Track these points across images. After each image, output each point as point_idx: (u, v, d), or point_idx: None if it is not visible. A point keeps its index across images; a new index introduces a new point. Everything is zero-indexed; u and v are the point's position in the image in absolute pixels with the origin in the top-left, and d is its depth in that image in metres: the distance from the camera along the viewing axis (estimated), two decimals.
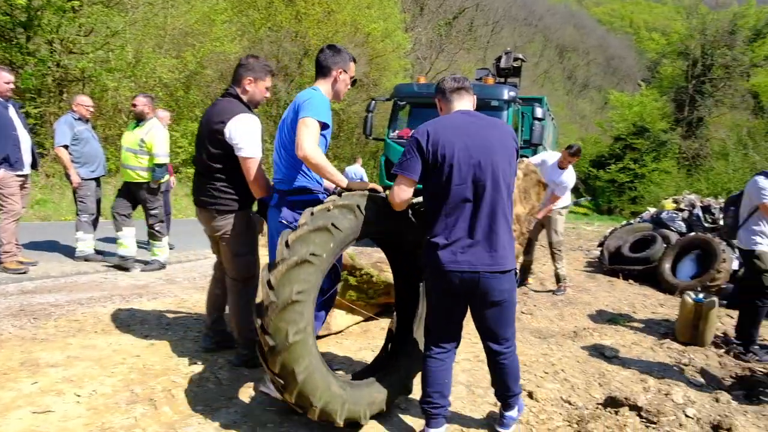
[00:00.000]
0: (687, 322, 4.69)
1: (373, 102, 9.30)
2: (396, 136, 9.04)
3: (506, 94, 8.45)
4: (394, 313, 3.06)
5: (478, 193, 2.28)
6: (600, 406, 3.18)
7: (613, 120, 36.76)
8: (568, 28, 71.03)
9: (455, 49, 33.95)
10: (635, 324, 5.23)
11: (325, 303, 2.90)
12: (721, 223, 7.58)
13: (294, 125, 2.57)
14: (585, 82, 65.96)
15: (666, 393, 3.42)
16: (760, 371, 4.16)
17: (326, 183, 2.84)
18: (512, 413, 2.69)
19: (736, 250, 4.86)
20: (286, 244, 2.23)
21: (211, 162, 3.08)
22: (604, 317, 5.42)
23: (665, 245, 7.45)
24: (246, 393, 2.95)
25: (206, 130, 3.09)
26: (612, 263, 7.97)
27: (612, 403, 3.17)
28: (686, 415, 3.09)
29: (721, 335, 5.02)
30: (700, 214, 7.89)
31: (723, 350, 4.57)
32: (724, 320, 5.69)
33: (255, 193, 3.08)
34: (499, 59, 10.15)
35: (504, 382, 2.59)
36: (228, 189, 3.11)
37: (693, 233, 7.42)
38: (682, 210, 8.35)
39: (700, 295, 4.76)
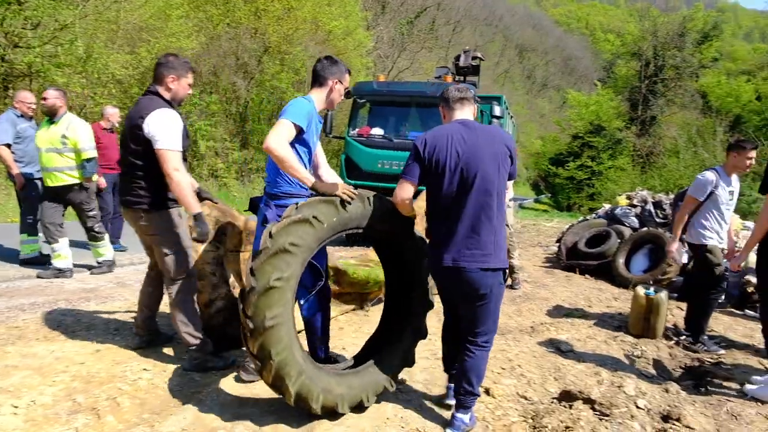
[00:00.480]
0: (639, 316, 4.81)
1: None
2: (356, 134, 8.98)
3: None
4: (383, 305, 3.24)
5: (465, 197, 2.47)
6: (555, 401, 3.22)
7: (571, 119, 37.66)
8: (527, 29, 72.33)
9: (417, 47, 34.05)
10: (590, 318, 5.33)
11: (319, 301, 3.00)
12: (672, 218, 7.82)
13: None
14: (544, 81, 67.32)
15: (619, 385, 3.49)
16: (708, 361, 4.29)
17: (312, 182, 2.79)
18: (464, 417, 2.67)
19: (686, 245, 5.01)
20: (270, 235, 2.40)
21: (134, 160, 3.04)
22: (561, 312, 5.51)
23: (619, 240, 7.64)
24: (197, 399, 2.85)
25: (128, 129, 3.06)
26: (569, 258, 8.13)
27: (566, 397, 3.21)
28: (637, 407, 3.15)
29: (672, 327, 5.17)
30: (652, 209, 8.13)
31: (673, 342, 4.71)
32: (674, 313, 5.87)
33: (171, 189, 3.00)
34: (458, 58, 10.21)
35: (466, 374, 2.62)
36: (152, 187, 3.06)
37: (645, 228, 7.63)
38: (635, 206, 8.58)
39: (651, 289, 4.89)
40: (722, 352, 4.46)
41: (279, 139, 2.60)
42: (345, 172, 8.99)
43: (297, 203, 2.52)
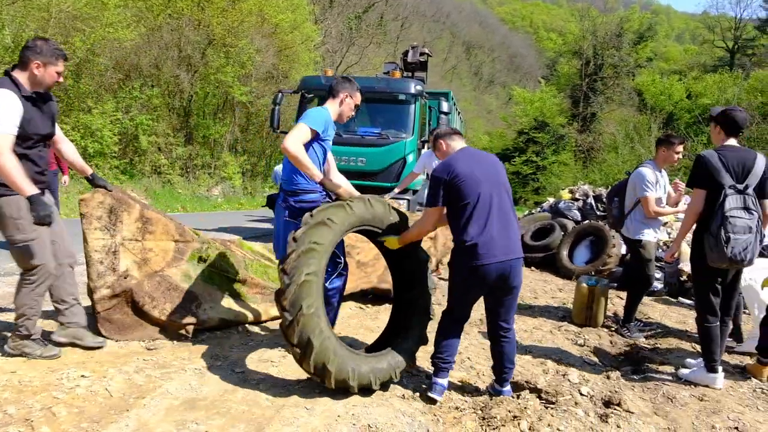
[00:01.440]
0: (582, 305, 4.99)
1: (280, 94, 9.05)
2: None
3: (413, 88, 8.54)
4: (394, 303, 3.59)
5: (493, 205, 2.91)
6: None
7: (516, 115, 38.75)
8: (474, 26, 73.54)
9: (366, 42, 33.99)
10: (536, 309, 5.49)
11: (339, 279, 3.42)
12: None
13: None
14: (490, 78, 68.68)
15: (563, 374, 3.60)
16: (646, 347, 4.50)
17: (324, 181, 3.22)
18: (508, 388, 3.17)
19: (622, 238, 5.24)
20: (294, 239, 2.81)
21: None
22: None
23: (563, 233, 7.90)
24: (139, 405, 2.74)
25: None
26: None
27: (514, 387, 3.28)
28: (581, 394, 3.26)
29: (612, 315, 5.40)
30: (593, 203, 8.46)
31: (613, 329, 4.92)
32: (615, 302, 6.12)
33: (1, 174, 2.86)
34: (406, 53, 10.24)
35: (508, 356, 3.09)
36: None
37: (587, 221, 7.94)
38: (577, 200, 8.91)
39: (593, 279, 5.08)
40: (643, 339, 4.68)
41: (294, 139, 3.06)
42: None
43: (311, 212, 2.91)
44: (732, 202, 3.29)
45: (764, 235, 3.35)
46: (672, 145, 4.64)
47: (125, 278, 3.58)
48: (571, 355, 4.12)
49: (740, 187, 3.33)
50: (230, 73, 17.76)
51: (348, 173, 8.42)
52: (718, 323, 3.54)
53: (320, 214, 2.89)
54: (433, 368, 3.14)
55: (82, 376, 3.02)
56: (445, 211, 3.04)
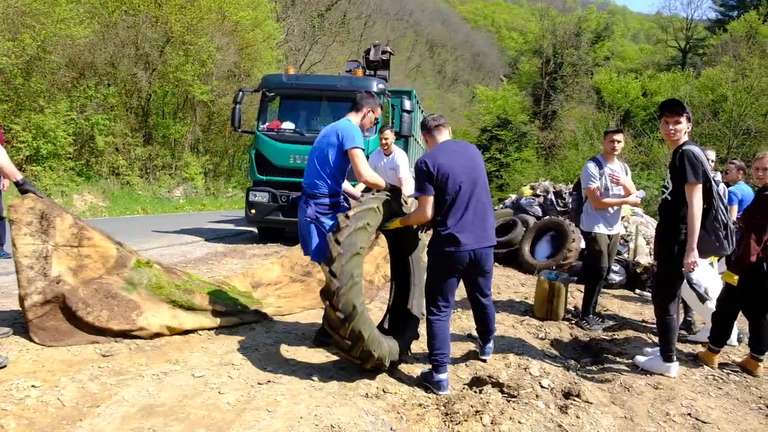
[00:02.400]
0: (542, 300, 5.08)
1: (241, 93, 8.92)
2: (266, 129, 8.76)
3: (375, 86, 8.53)
4: (392, 286, 3.93)
5: (471, 195, 3.21)
6: (466, 387, 3.32)
7: (479, 113, 39.19)
8: (437, 25, 74.02)
9: (329, 41, 33.82)
10: (499, 304, 5.56)
11: None
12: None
13: (335, 149, 3.49)
14: (454, 76, 69.25)
15: (525, 367, 3.66)
16: (604, 338, 4.61)
17: (345, 187, 3.74)
18: (490, 345, 3.80)
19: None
20: (337, 242, 3.05)
21: None
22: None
23: (524, 229, 8.04)
24: (93, 414, 2.65)
25: None
26: None
27: (477, 382, 3.32)
28: (542, 386, 3.32)
29: (572, 309, 5.51)
30: (554, 199, 8.63)
31: (573, 322, 5.02)
32: (575, 295, 6.26)
33: None
34: (368, 52, 10.23)
35: (488, 322, 3.67)
36: None
37: (548, 217, 8.09)
38: (538, 196, 9.07)
39: (553, 274, 5.17)
40: (601, 331, 4.81)
41: (365, 168, 3.47)
42: (255, 167, 8.74)
43: (347, 213, 3.17)
44: (721, 195, 3.41)
45: None
46: (607, 135, 4.91)
47: (57, 283, 3.49)
48: (533, 349, 4.19)
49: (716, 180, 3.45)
50: (190, 72, 17.38)
51: None
52: (676, 315, 3.66)
53: (359, 219, 3.16)
54: (432, 366, 3.28)
55: (33, 386, 2.90)
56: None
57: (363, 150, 3.48)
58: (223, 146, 21.72)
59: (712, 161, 4.78)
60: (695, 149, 3.39)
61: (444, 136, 3.46)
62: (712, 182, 3.36)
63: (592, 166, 4.81)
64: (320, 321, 3.90)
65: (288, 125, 8.73)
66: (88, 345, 3.53)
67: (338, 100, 8.83)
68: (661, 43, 48.68)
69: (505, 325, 4.81)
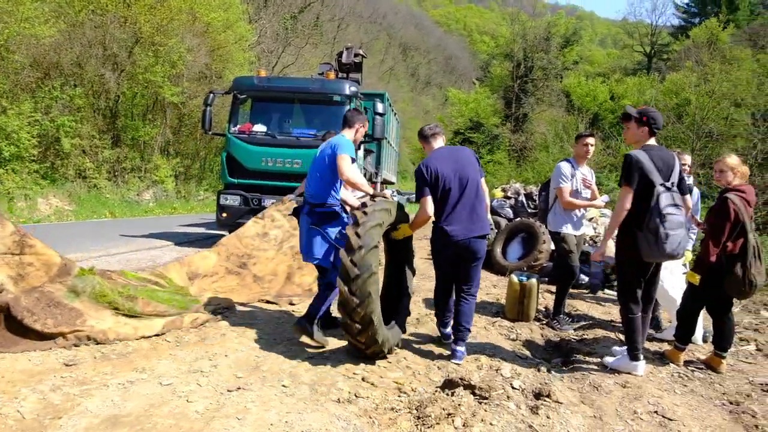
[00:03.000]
0: (514, 301, 5.12)
1: (211, 95, 8.78)
2: (237, 131, 8.64)
3: (347, 89, 8.51)
4: (384, 280, 4.25)
5: (463, 192, 3.80)
6: (438, 389, 3.31)
7: (452, 116, 39.44)
8: (410, 28, 74.37)
9: (302, 43, 33.61)
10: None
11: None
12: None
13: (331, 160, 3.91)
14: (427, 79, 69.65)
15: (497, 369, 3.68)
16: (574, 339, 4.67)
17: (342, 195, 4.10)
18: (461, 348, 3.89)
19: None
20: (357, 235, 3.43)
21: None
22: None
23: (496, 231, 8.11)
24: (55, 426, 2.55)
25: None
26: None
27: (449, 384, 3.31)
28: (513, 387, 3.34)
29: (543, 309, 5.57)
30: (524, 200, 8.73)
31: (543, 323, 5.08)
32: (546, 296, 6.33)
33: None
34: (340, 55, 10.18)
35: (465, 315, 3.90)
36: None
37: (519, 218, 8.17)
38: (509, 198, 9.16)
39: (524, 275, 5.22)
40: (572, 331, 4.88)
41: (349, 170, 3.84)
42: (227, 170, 8.62)
43: (364, 210, 3.57)
44: (666, 199, 3.42)
45: (689, 228, 3.54)
46: (580, 139, 5.00)
47: (2, 292, 3.44)
48: (504, 350, 4.21)
49: (668, 185, 3.48)
50: (160, 73, 17.03)
51: (283, 175, 8.36)
52: (641, 314, 3.72)
53: (376, 217, 3.55)
54: (438, 323, 4.24)
55: None
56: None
57: (352, 157, 3.91)
58: (195, 148, 21.37)
59: (687, 165, 4.88)
60: (638, 154, 3.54)
61: (439, 142, 4.06)
62: (659, 187, 3.43)
63: (566, 166, 4.90)
64: (288, 323, 4.19)
65: (260, 128, 8.63)
66: (50, 354, 3.42)
67: (310, 102, 8.78)
68: (628, 48, 49.81)
69: (477, 326, 4.83)
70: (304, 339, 4.02)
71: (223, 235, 10.45)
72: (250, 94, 8.86)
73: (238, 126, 8.73)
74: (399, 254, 4.27)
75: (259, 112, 8.98)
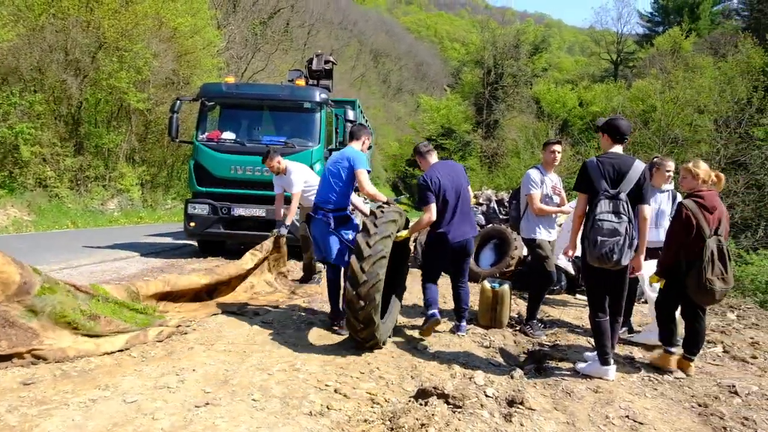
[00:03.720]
0: (486, 307, 5.15)
1: (178, 102, 8.65)
2: (205, 139, 8.52)
3: (318, 96, 8.49)
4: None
5: (458, 201, 4.60)
6: (412, 399, 3.30)
7: (424, 122, 39.81)
8: (381, 35, 74.71)
9: (272, 49, 33.43)
10: (444, 314, 5.58)
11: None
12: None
13: (348, 172, 4.52)
14: (398, 86, 69.98)
15: (470, 377, 3.68)
16: (547, 344, 4.72)
17: (353, 200, 4.85)
18: (464, 323, 4.90)
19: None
20: (368, 245, 3.88)
21: None
22: (417, 311, 5.71)
23: None
24: None
25: None
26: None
27: (422, 394, 3.30)
28: (486, 395, 3.35)
29: (516, 316, 5.62)
30: (496, 207, 8.83)
31: (516, 329, 5.12)
32: (518, 302, 6.40)
33: None
34: (310, 61, 10.16)
35: (464, 298, 4.87)
36: None
37: (491, 225, 8.25)
38: (481, 204, 9.25)
39: (496, 282, 5.26)
40: (544, 337, 4.94)
41: (369, 184, 4.54)
42: (195, 179, 8.48)
43: (374, 222, 4.03)
44: (602, 206, 3.53)
45: (635, 237, 3.58)
46: (547, 146, 5.13)
47: None
48: (478, 358, 4.23)
49: (612, 192, 3.56)
50: (125, 79, 16.69)
51: (252, 183, 8.27)
52: (608, 318, 3.77)
53: (385, 227, 4.00)
54: (426, 306, 4.62)
55: None
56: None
57: (368, 171, 4.63)
58: (161, 156, 20.99)
59: (670, 171, 5.05)
60: (588, 162, 3.75)
61: (434, 158, 4.83)
62: (601, 195, 3.57)
63: (535, 173, 4.99)
64: (259, 334, 4.32)
65: (228, 135, 8.54)
66: (6, 373, 3.29)
67: (280, 109, 8.73)
68: (595, 55, 51.07)
69: (450, 334, 4.84)
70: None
71: (191, 245, 10.32)
72: (219, 100, 8.76)
73: (206, 133, 8.62)
74: (396, 252, 4.55)
75: (227, 119, 8.88)
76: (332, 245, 4.55)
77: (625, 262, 3.54)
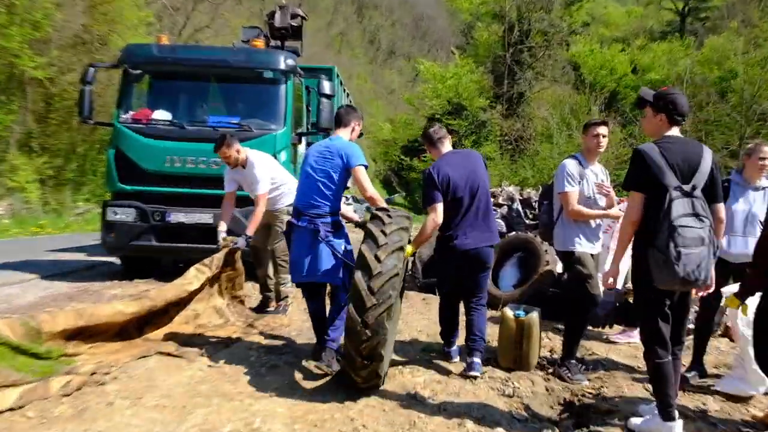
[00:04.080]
0: (509, 343, 5.19)
1: (92, 69, 8.61)
2: (130, 120, 8.50)
3: (282, 62, 8.51)
4: None
5: (474, 200, 4.90)
6: None
7: (425, 96, 39.80)
8: None
9: None
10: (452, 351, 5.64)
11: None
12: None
13: (341, 169, 4.82)
14: (390, 48, 70.24)
15: None
16: (590, 392, 4.77)
17: (342, 209, 5.12)
18: (478, 359, 4.95)
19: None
20: (377, 259, 4.09)
21: None
22: (416, 348, 5.75)
23: None
24: None
25: None
26: (426, 277, 8.53)
27: None
28: None
29: (548, 354, 5.67)
30: (520, 209, 8.91)
31: (549, 372, 5.17)
32: (550, 335, 6.45)
33: None
34: (272, 16, 10.16)
35: (477, 325, 5.07)
36: None
37: (513, 233, 8.31)
38: (500, 205, 9.33)
39: (521, 309, 5.31)
40: (586, 382, 4.99)
41: (372, 187, 4.92)
42: (116, 174, 8.43)
43: (383, 230, 4.22)
44: (680, 207, 3.49)
45: (717, 246, 3.62)
46: (589, 128, 5.13)
47: None
48: (497, 411, 4.27)
49: (687, 188, 3.56)
50: (16, 37, 16.63)
51: (196, 179, 8.29)
52: (670, 358, 3.81)
53: (398, 236, 4.27)
54: (444, 344, 5.39)
55: None
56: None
57: (366, 167, 4.84)
58: (69, 143, 20.87)
59: (766, 159, 4.98)
60: (647, 150, 3.69)
61: (446, 147, 5.17)
62: (671, 192, 3.53)
63: (571, 165, 5.02)
64: (202, 383, 4.21)
65: (162, 115, 8.55)
66: None
67: (232, 80, 8.76)
68: (654, 4, 51.46)
69: (460, 379, 4.88)
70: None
71: (112, 264, 10.27)
72: (148, 68, 8.77)
73: (132, 112, 8.63)
74: None
75: (160, 93, 8.92)
76: (322, 259, 4.79)
77: (710, 280, 3.57)
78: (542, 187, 5.77)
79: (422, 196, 4.96)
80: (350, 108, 5.21)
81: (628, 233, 3.82)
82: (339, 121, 5.08)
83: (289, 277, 6.55)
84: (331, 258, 4.77)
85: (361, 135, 5.37)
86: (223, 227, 6.43)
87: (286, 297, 6.90)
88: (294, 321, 6.61)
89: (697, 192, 3.58)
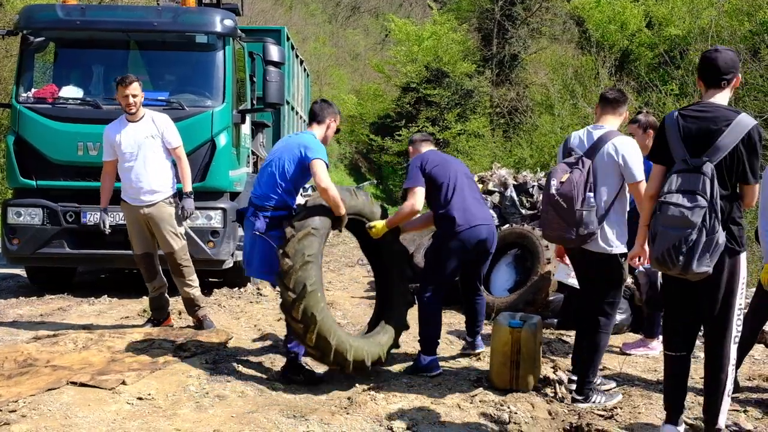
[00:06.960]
0: (504, 359, 5.20)
1: None
2: (32, 99, 8.41)
3: (219, 23, 8.45)
4: (377, 293, 6.23)
5: (461, 184, 5.68)
6: None
7: (398, 60, 39.67)
8: None
9: None
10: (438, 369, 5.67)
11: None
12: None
13: (296, 162, 5.27)
14: (354, 2, 70.12)
15: None
16: (600, 415, 4.81)
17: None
18: (480, 340, 6.18)
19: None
20: (286, 255, 4.85)
21: None
22: (393, 367, 5.78)
23: None
24: None
25: None
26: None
27: None
28: None
29: (553, 373, 5.72)
30: (515, 196, 8.94)
31: (552, 393, 5.20)
32: (555, 347, 6.51)
33: None
34: None
35: (481, 312, 6.10)
36: None
37: (507, 225, 8.36)
38: (491, 192, 9.35)
39: (517, 318, 5.33)
40: (618, 400, 5.03)
41: (329, 181, 5.15)
42: (18, 166, 8.34)
43: (292, 223, 5.00)
44: (672, 183, 3.68)
45: (718, 232, 3.61)
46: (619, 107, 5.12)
47: None
48: None
49: (694, 162, 3.67)
50: None
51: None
52: (686, 354, 3.96)
53: (308, 224, 4.96)
54: (425, 349, 5.64)
55: None
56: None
57: (326, 163, 5.23)
58: None
59: None
60: (668, 118, 3.98)
61: (430, 146, 6.19)
62: (676, 165, 3.80)
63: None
64: (131, 418, 4.18)
65: (71, 92, 8.48)
66: None
67: (157, 46, 8.72)
68: None
69: (446, 405, 4.90)
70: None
71: (16, 276, 10.14)
72: (53, 34, 8.71)
73: (34, 90, 8.54)
74: (381, 256, 5.95)
75: (68, 65, 8.89)
76: (256, 254, 5.43)
77: (700, 268, 3.60)
78: (549, 171, 5.60)
79: (406, 178, 5.75)
80: (325, 103, 5.77)
81: (646, 209, 4.03)
82: (313, 117, 5.57)
83: (195, 277, 6.70)
84: (267, 254, 5.23)
85: (338, 131, 5.84)
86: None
87: (202, 307, 6.82)
88: (231, 333, 6.57)
89: (707, 167, 3.61)
